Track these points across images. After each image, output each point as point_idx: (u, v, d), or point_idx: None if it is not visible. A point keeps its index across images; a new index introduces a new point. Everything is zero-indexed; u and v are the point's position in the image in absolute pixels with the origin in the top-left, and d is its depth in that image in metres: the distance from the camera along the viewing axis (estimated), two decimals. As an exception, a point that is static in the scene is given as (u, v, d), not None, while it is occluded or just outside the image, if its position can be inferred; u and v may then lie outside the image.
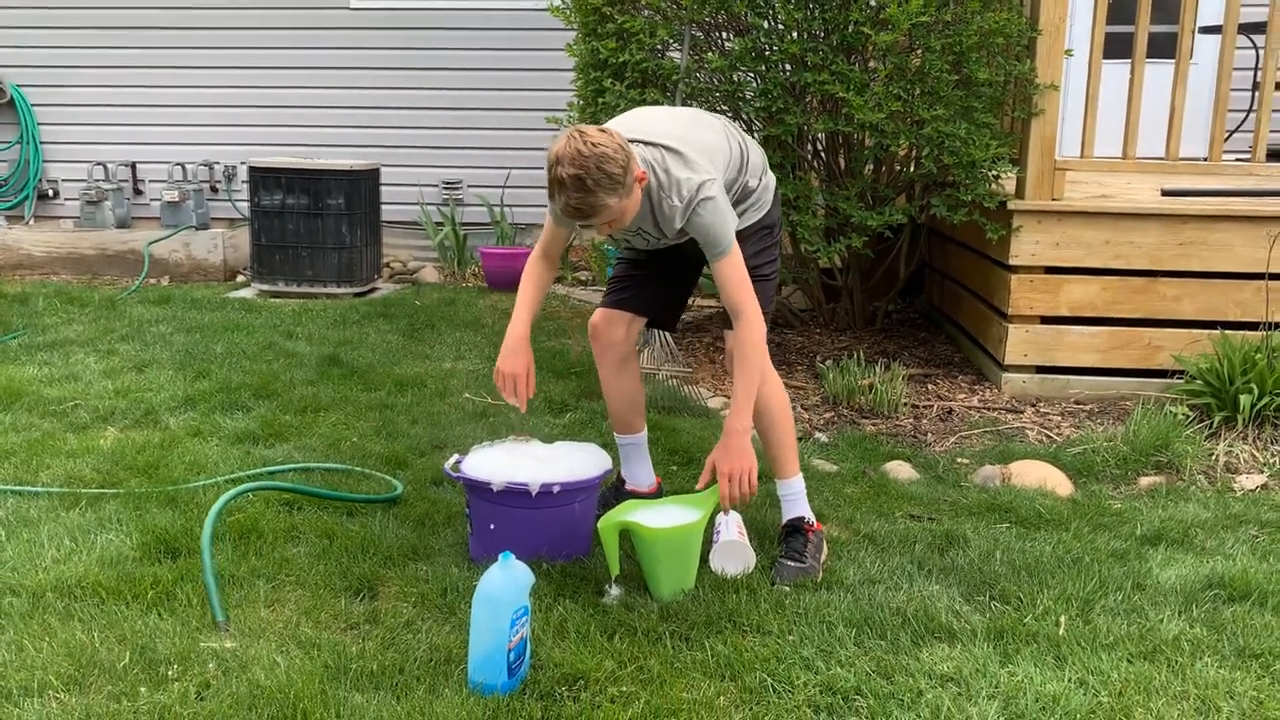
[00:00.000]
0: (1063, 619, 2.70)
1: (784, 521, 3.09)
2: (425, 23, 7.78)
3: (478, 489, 2.90)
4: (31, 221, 8.06)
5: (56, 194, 8.17)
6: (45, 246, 7.43)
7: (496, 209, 7.75)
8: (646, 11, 4.86)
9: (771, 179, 3.18)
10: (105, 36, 7.94)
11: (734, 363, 2.91)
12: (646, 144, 2.83)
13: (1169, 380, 4.45)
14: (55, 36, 7.97)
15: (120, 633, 2.52)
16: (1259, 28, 5.03)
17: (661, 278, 3.25)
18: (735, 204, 2.99)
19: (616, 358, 3.25)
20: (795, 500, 3.11)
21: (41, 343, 5.27)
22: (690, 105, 5.14)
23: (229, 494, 3.12)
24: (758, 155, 3.14)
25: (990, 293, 4.90)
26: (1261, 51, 4.91)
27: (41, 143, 8.10)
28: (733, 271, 2.84)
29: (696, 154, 2.84)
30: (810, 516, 3.10)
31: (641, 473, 3.40)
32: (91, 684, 2.34)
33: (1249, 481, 3.74)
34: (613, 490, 3.37)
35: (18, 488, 3.41)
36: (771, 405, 3.07)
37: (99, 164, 7.84)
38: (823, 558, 3.02)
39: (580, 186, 2.61)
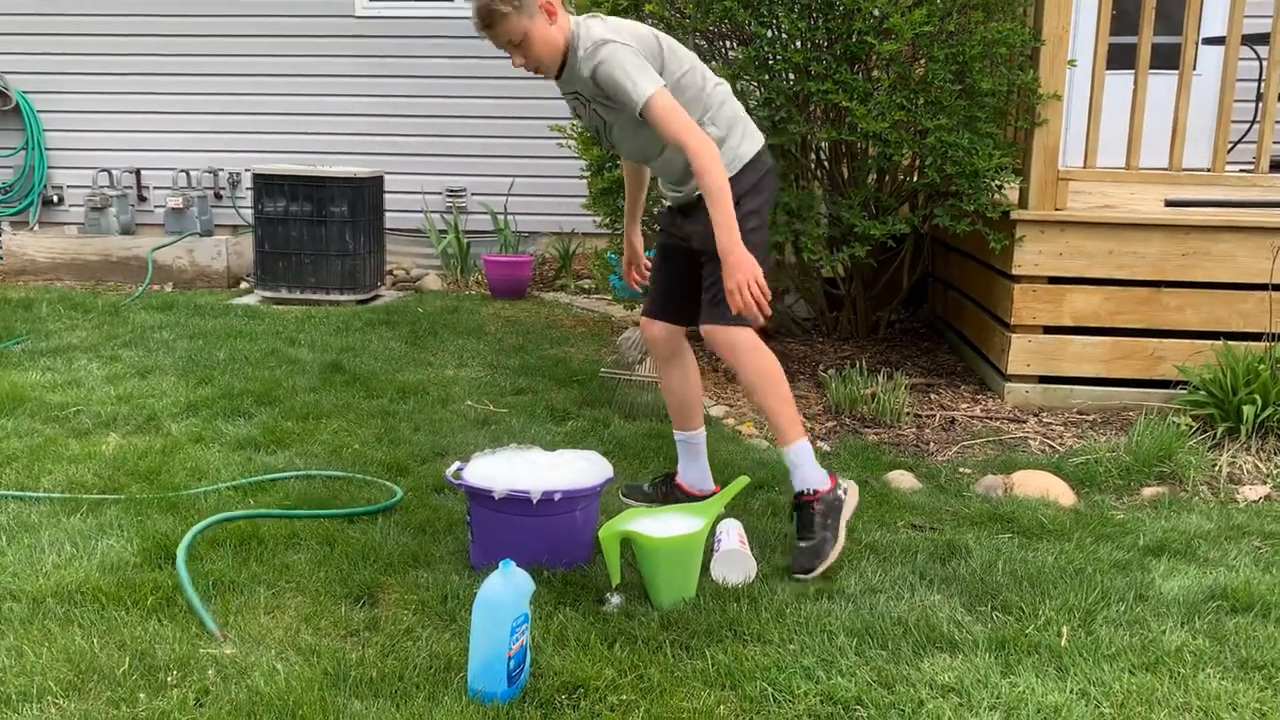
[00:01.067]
0: (1065, 630, 2.69)
1: (792, 498, 3.11)
2: (430, 30, 7.80)
3: (479, 496, 2.90)
4: (36, 227, 8.09)
5: (61, 200, 8.19)
6: (49, 252, 7.44)
7: (500, 217, 7.76)
8: (650, 20, 4.87)
9: (751, 149, 3.12)
10: (111, 43, 7.97)
11: (704, 196, 2.91)
12: (579, 18, 3.04)
13: (1172, 391, 4.45)
14: (61, 43, 8.00)
15: (120, 639, 2.52)
16: (1262, 39, 5.03)
17: (680, 276, 3.28)
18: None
19: (660, 355, 3.42)
20: (800, 469, 3.08)
21: (45, 348, 5.28)
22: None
23: (199, 525, 3.06)
24: (728, 104, 3.14)
25: (993, 302, 4.90)
26: (1265, 63, 4.91)
27: (47, 149, 8.12)
28: (660, 112, 2.87)
29: (622, 30, 2.97)
30: (814, 484, 3.06)
31: (691, 473, 3.45)
32: (91, 690, 2.33)
33: (1252, 493, 3.73)
34: (664, 479, 3.49)
35: (19, 493, 3.41)
36: (764, 373, 3.09)
37: (104, 170, 7.86)
38: (845, 516, 3.02)
39: None
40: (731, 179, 3.00)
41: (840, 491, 3.09)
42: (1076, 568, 3.06)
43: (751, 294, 2.86)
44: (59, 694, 2.31)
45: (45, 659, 2.43)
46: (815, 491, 3.05)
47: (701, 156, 2.86)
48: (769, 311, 2.92)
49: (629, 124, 3.02)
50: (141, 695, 2.31)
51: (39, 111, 8.08)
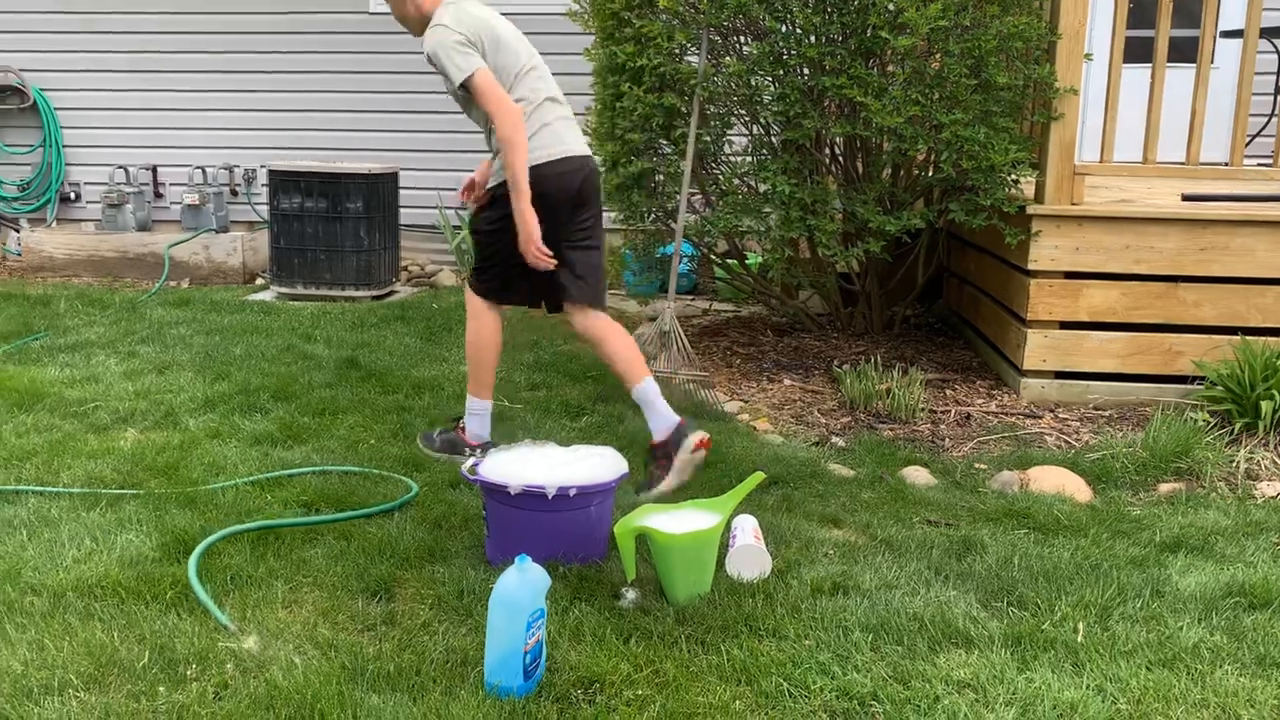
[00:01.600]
0: (1081, 626, 2.69)
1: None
2: (444, 27, 7.80)
3: (495, 491, 2.91)
4: (53, 224, 8.13)
5: (78, 197, 8.23)
6: (67, 249, 7.49)
7: (514, 213, 7.76)
8: (664, 16, 4.87)
9: (536, 159, 3.43)
10: (127, 41, 8.00)
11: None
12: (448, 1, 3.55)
13: (1189, 386, 4.43)
14: (78, 41, 8.04)
15: (139, 632, 2.54)
16: (1281, 32, 5.00)
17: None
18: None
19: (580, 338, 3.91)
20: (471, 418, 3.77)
21: (63, 344, 5.31)
22: (709, 110, 5.15)
23: (211, 538, 3.02)
24: (539, 116, 3.49)
25: (1009, 298, 4.88)
26: (1284, 56, 4.88)
27: (64, 146, 8.16)
28: (477, 88, 3.36)
29: (462, 20, 3.42)
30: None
31: (654, 425, 3.58)
32: (111, 683, 2.35)
33: (1270, 489, 3.71)
34: (648, 453, 3.58)
35: (39, 488, 3.44)
36: (471, 341, 3.76)
37: (120, 167, 7.90)
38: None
39: None
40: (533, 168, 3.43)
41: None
42: (1093, 564, 3.06)
43: (536, 254, 3.42)
44: (80, 687, 2.33)
45: (66, 652, 2.45)
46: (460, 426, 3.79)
47: (504, 124, 3.34)
48: (551, 263, 3.46)
49: (462, 99, 3.48)
50: (161, 689, 2.32)
51: (56, 109, 8.12)
